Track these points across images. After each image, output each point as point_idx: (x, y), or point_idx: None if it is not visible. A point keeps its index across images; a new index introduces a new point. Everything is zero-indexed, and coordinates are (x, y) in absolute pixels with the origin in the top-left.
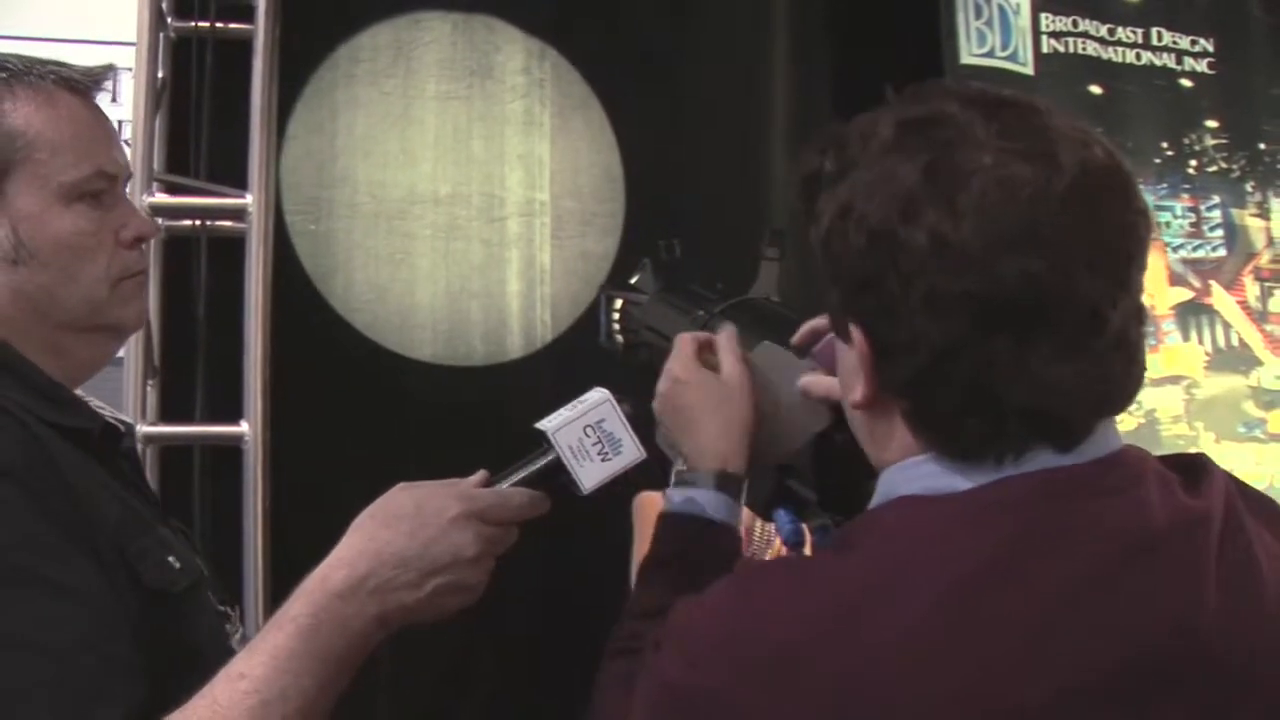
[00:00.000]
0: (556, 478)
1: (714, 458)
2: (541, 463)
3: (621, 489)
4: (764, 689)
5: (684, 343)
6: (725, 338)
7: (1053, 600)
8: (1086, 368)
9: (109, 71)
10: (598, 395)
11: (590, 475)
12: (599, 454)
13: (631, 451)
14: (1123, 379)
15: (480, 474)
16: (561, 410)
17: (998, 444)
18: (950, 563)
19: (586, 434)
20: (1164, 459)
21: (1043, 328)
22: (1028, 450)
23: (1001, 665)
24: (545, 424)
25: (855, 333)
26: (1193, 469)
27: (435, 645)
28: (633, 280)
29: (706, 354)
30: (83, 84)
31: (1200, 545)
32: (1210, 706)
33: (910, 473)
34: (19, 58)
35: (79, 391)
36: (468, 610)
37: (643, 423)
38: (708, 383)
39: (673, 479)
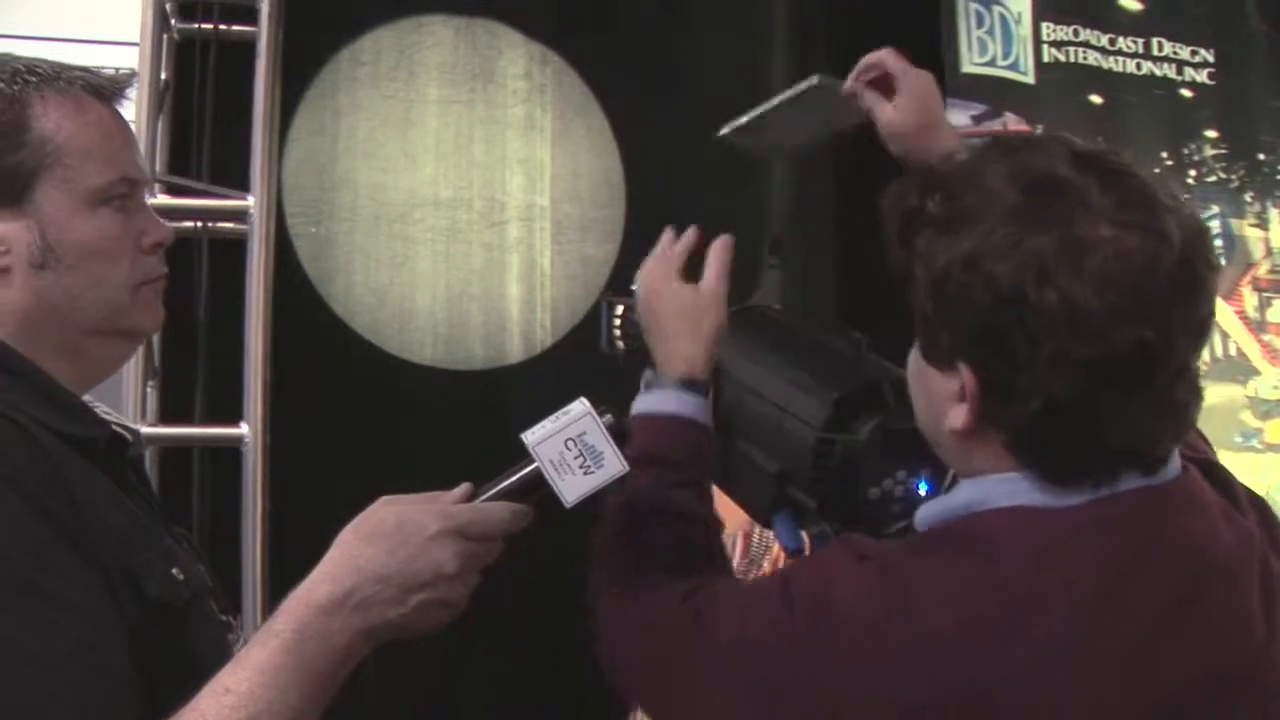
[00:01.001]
0: (539, 490)
1: (682, 362)
2: (522, 475)
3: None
4: (905, 682)
5: (664, 248)
6: (718, 247)
7: (1157, 615)
8: (1173, 409)
9: (132, 79)
10: (579, 408)
11: (572, 488)
12: (581, 467)
13: (614, 464)
14: (1193, 412)
15: (464, 487)
16: (545, 422)
17: (1094, 473)
18: (1085, 571)
19: (568, 447)
20: (1198, 468)
21: (1145, 383)
22: (1120, 477)
23: (1126, 667)
24: (528, 436)
25: (965, 371)
26: (1225, 485)
27: (429, 643)
28: (633, 287)
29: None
30: (109, 90)
31: (1253, 568)
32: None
33: (1007, 487)
34: (48, 63)
35: (87, 397)
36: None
37: (625, 434)
38: (682, 293)
39: (643, 383)
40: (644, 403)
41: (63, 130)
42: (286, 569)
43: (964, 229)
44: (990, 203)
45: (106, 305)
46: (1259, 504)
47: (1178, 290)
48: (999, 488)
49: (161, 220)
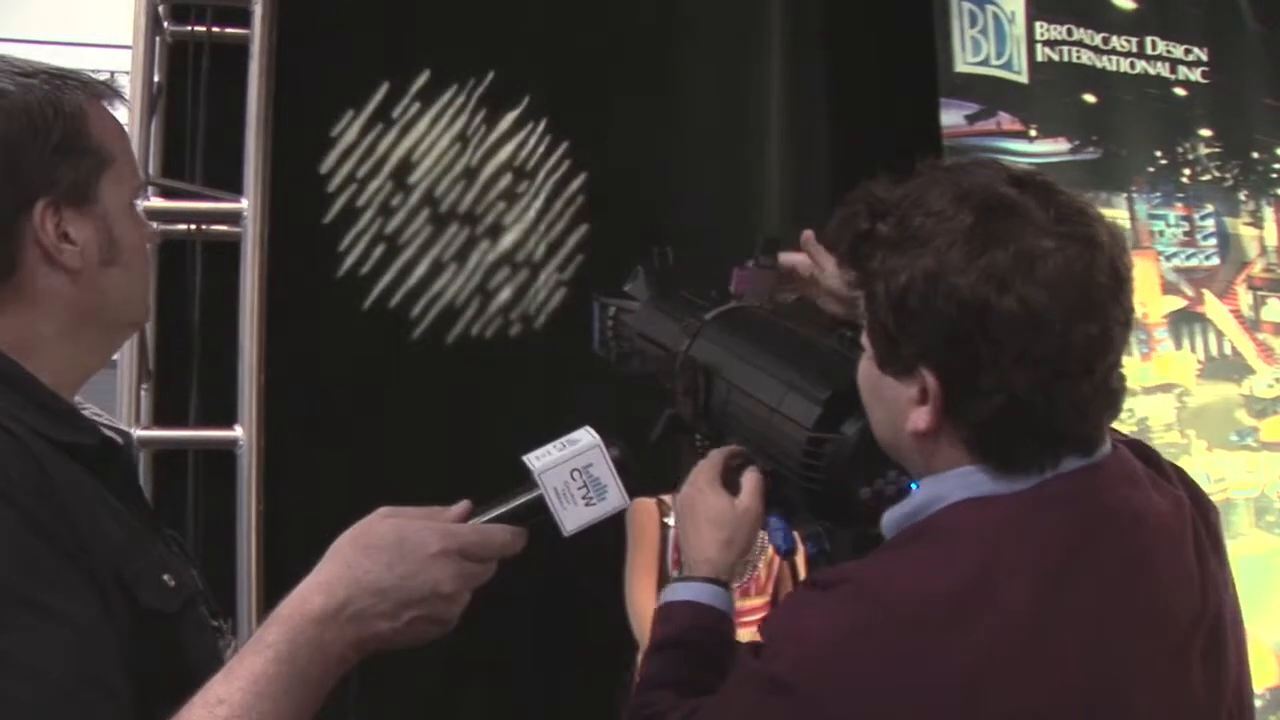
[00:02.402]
0: (538, 516)
1: (708, 567)
2: (524, 500)
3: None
4: (895, 675)
5: (714, 457)
6: (752, 478)
7: (1115, 582)
8: (1109, 394)
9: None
10: (588, 439)
11: (572, 519)
12: (583, 498)
13: (615, 499)
14: (1123, 396)
15: (463, 505)
16: (550, 447)
17: (1042, 458)
18: (1039, 548)
19: (573, 477)
20: (1127, 446)
21: (1089, 374)
22: (1062, 459)
23: (1090, 634)
24: (533, 461)
25: (928, 375)
26: (1154, 460)
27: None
28: (626, 288)
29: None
30: (113, 96)
31: (1186, 530)
32: (1213, 652)
33: (961, 480)
34: (72, 71)
35: (77, 399)
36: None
37: (630, 467)
38: (720, 504)
39: (673, 577)
40: (672, 593)
41: (108, 133)
42: (281, 572)
43: (920, 247)
44: (943, 223)
45: (142, 298)
46: (1184, 476)
47: (1112, 289)
48: (954, 482)
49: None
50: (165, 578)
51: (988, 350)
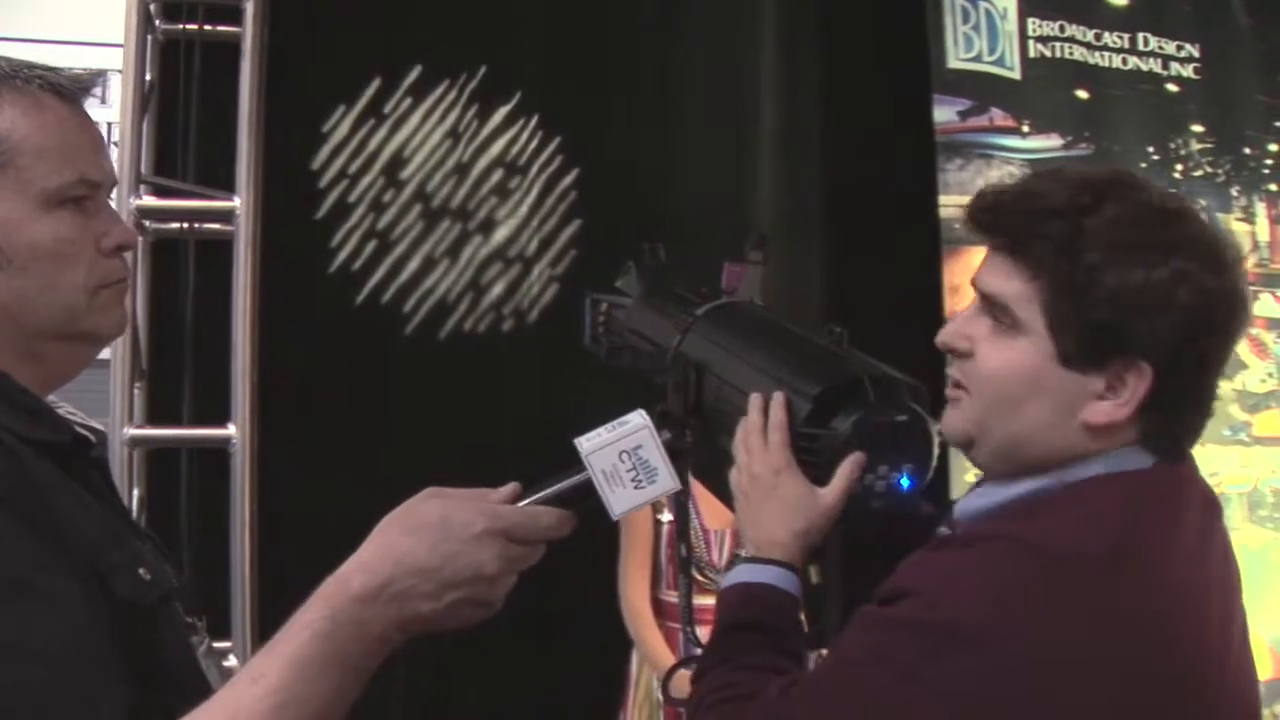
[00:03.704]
0: (586, 499)
1: (780, 551)
2: (572, 482)
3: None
4: (1074, 623)
5: (781, 432)
6: (851, 464)
7: (1223, 546)
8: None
9: (98, 78)
10: (638, 420)
11: (621, 501)
12: (633, 481)
13: (666, 481)
14: None
15: (512, 486)
16: (600, 430)
17: (1187, 444)
18: (1187, 513)
19: (622, 459)
20: None
21: (1219, 378)
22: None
23: (1221, 586)
24: (583, 444)
25: (1144, 369)
26: None
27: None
28: (617, 284)
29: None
30: (70, 90)
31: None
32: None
33: (1117, 459)
34: (7, 60)
35: (51, 398)
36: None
37: (679, 451)
38: (801, 489)
39: (742, 556)
40: (747, 573)
41: (18, 129)
42: (275, 570)
43: (1149, 247)
44: (1167, 231)
45: (63, 309)
46: None
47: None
48: (1106, 461)
49: (124, 223)
50: (140, 571)
51: (1219, 348)
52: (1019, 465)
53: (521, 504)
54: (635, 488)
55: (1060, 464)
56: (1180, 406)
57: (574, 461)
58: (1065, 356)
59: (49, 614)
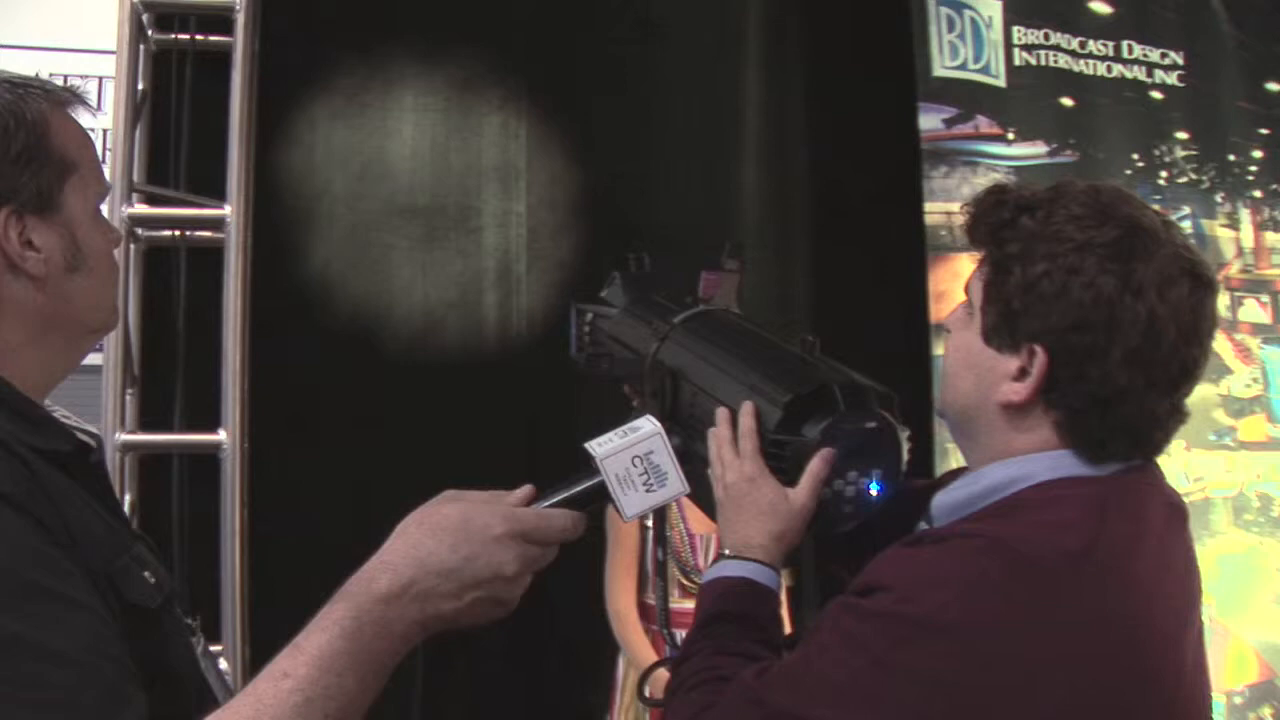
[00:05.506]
0: (598, 501)
1: (761, 553)
2: (586, 485)
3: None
4: (1047, 619)
5: (752, 440)
6: (819, 461)
7: (1184, 556)
8: (1180, 415)
9: (90, 89)
10: (649, 426)
11: (632, 504)
12: (644, 484)
13: (676, 485)
14: (1186, 415)
15: (526, 489)
16: (611, 435)
17: (1128, 452)
18: (1146, 523)
19: (634, 464)
20: None
21: (1173, 392)
22: (1134, 457)
23: (1182, 592)
24: (594, 447)
25: (1040, 354)
26: None
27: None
28: (602, 294)
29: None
30: (87, 104)
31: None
32: (1197, 625)
33: (1055, 462)
34: (32, 76)
35: (46, 402)
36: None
37: (687, 457)
38: (775, 494)
39: (723, 555)
40: (726, 568)
41: (71, 141)
42: (265, 574)
43: (1061, 244)
44: (1087, 229)
45: (110, 308)
46: None
47: (1211, 331)
48: (1046, 463)
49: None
50: (146, 574)
51: (1104, 343)
52: (973, 450)
53: (537, 507)
54: (646, 491)
55: (999, 455)
56: (1089, 407)
57: (580, 466)
58: (986, 333)
59: (70, 617)
